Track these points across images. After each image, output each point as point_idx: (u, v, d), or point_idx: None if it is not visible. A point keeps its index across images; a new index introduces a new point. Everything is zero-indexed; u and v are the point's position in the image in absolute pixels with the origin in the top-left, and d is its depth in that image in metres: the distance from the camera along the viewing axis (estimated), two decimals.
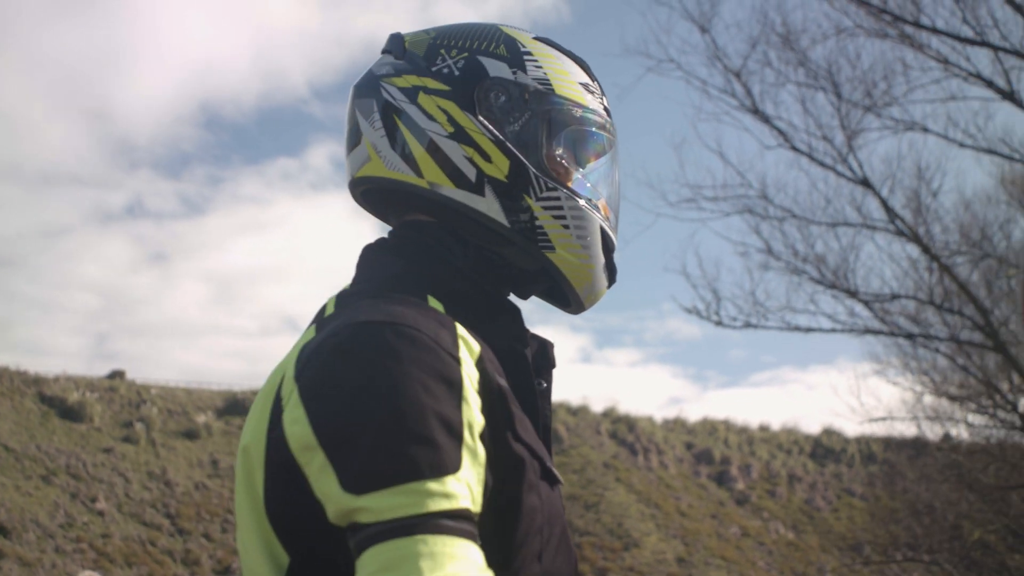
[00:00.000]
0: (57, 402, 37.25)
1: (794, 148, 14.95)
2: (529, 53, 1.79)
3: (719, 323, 15.66)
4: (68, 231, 68.39)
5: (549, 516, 1.59)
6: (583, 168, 1.81)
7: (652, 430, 50.56)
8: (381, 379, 1.41)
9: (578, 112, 1.79)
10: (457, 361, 1.47)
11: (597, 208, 1.80)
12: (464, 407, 1.44)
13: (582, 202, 1.77)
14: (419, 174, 1.72)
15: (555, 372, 1.83)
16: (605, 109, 1.86)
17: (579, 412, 48.71)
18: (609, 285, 1.87)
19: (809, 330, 15.59)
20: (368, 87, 1.82)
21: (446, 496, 1.35)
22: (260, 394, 1.62)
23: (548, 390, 1.77)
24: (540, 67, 1.78)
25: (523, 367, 1.70)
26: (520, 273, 1.80)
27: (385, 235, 1.85)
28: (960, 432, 20.44)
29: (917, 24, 13.34)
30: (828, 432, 53.85)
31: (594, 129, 1.82)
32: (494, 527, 1.48)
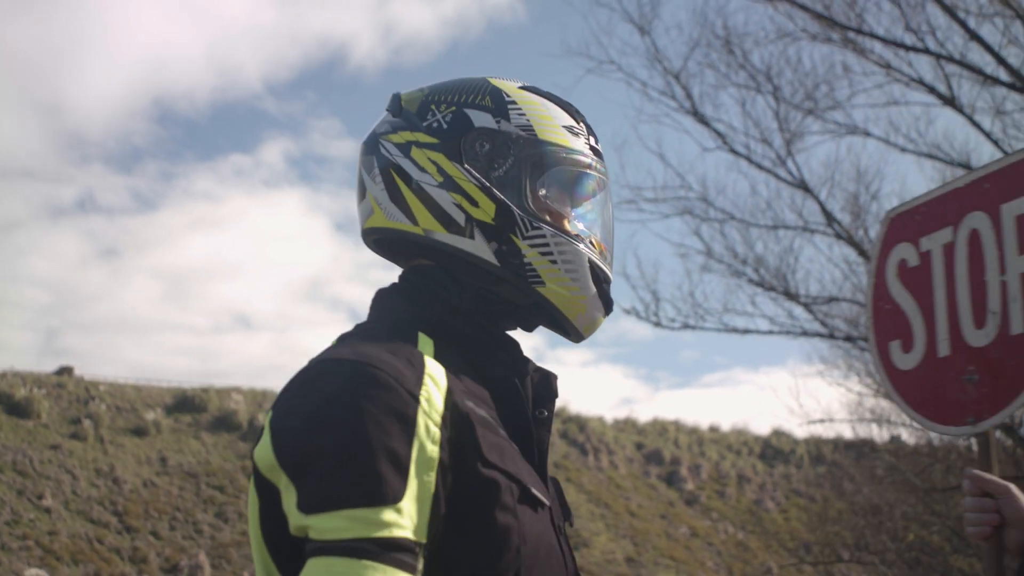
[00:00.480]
0: (4, 398, 36.77)
1: (733, 151, 15.01)
2: (513, 102, 1.92)
3: (657, 324, 15.71)
4: (18, 225, 67.53)
5: (527, 537, 1.68)
6: (571, 206, 1.93)
7: (602, 430, 50.67)
8: (335, 412, 1.57)
9: (561, 154, 1.91)
10: (415, 399, 1.60)
11: (586, 242, 1.92)
12: (415, 442, 1.57)
13: (569, 237, 1.88)
14: (414, 222, 1.87)
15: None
16: (592, 149, 1.97)
17: None
18: (606, 314, 1.98)
19: (747, 332, 15.65)
20: (370, 145, 1.97)
21: (381, 525, 1.50)
22: None
23: (549, 418, 1.90)
24: (523, 114, 1.91)
25: (516, 397, 1.84)
26: (518, 308, 1.92)
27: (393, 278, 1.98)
28: (901, 434, 20.64)
29: (859, 31, 13.43)
30: (777, 433, 54.21)
31: (578, 169, 1.93)
32: (465, 549, 1.62)
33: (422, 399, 1.60)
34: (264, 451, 1.62)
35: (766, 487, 49.89)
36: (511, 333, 1.97)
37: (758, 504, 48.18)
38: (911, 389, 2.80)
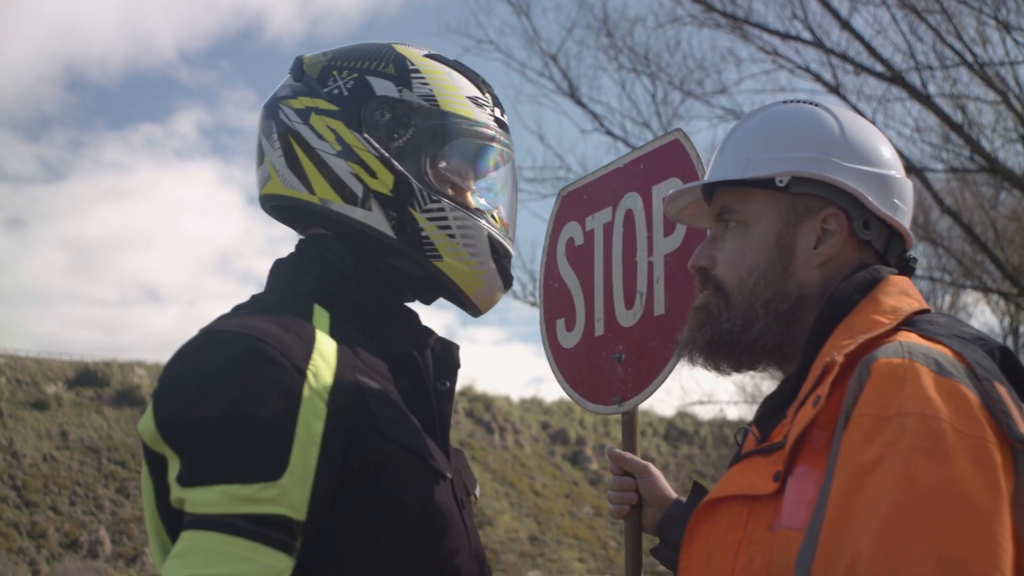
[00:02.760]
0: None
1: (609, 133, 15.11)
2: (417, 71, 1.88)
3: (535, 304, 15.82)
4: None
5: (430, 508, 1.69)
6: (472, 179, 1.91)
7: (509, 409, 50.96)
8: (218, 384, 1.55)
9: (464, 126, 1.88)
10: (301, 374, 1.58)
11: (487, 217, 1.90)
12: (300, 418, 1.55)
13: (469, 211, 1.87)
14: (311, 191, 1.84)
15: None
16: (497, 121, 1.95)
17: None
18: (504, 290, 1.97)
19: None
20: (270, 109, 1.92)
21: (253, 501, 1.49)
22: None
23: (451, 390, 1.89)
24: (426, 84, 1.88)
25: (416, 370, 1.82)
26: (416, 280, 1.89)
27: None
28: None
29: (741, 19, 13.55)
30: (682, 415, 54.87)
31: (481, 142, 1.91)
32: (362, 524, 1.61)
33: (309, 374, 1.59)
34: (147, 422, 1.60)
35: (670, 468, 50.47)
36: (410, 305, 1.96)
37: None
38: (571, 367, 2.82)
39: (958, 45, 12.34)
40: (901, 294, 1.77)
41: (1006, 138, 13.95)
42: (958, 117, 12.91)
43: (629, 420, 2.60)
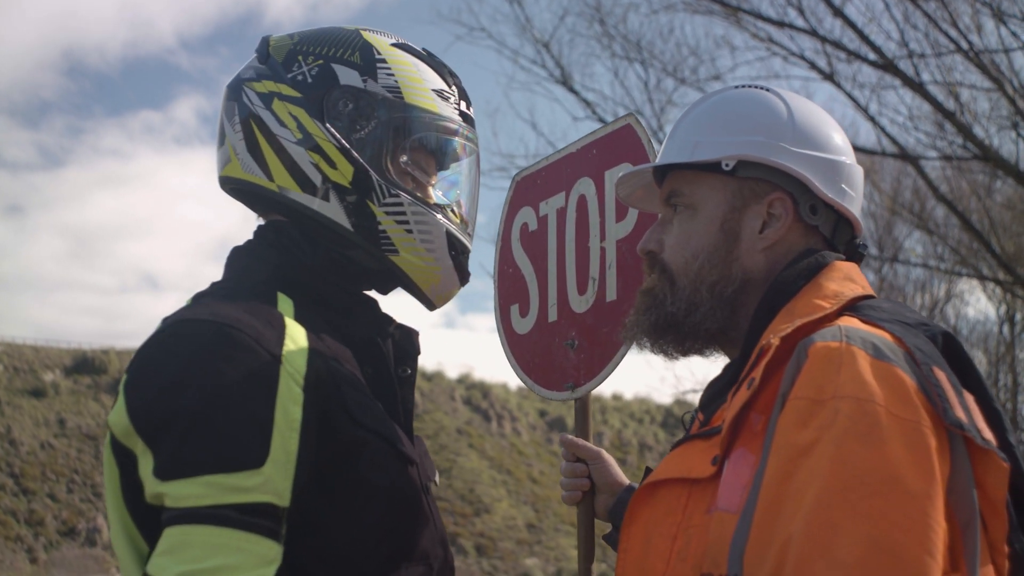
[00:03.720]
0: None
1: (602, 120, 15.07)
2: (383, 61, 1.86)
3: None
4: None
5: (401, 494, 1.69)
6: (433, 173, 1.90)
7: (506, 397, 51.07)
8: (193, 374, 1.52)
9: (427, 119, 1.86)
10: (276, 359, 1.56)
11: (445, 212, 1.89)
12: (278, 404, 1.53)
13: (427, 207, 1.85)
14: (270, 177, 1.82)
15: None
16: (462, 115, 1.93)
17: (434, 378, 48.90)
18: (460, 285, 1.96)
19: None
20: (234, 90, 1.89)
21: (240, 490, 1.47)
22: None
23: (412, 376, 1.89)
24: (392, 75, 1.85)
25: (379, 356, 1.82)
26: (371, 272, 1.88)
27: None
28: None
29: (735, 6, 13.53)
30: (680, 403, 54.86)
31: (444, 136, 1.90)
32: (336, 509, 1.60)
33: (283, 360, 1.57)
34: (119, 416, 1.57)
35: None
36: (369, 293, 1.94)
37: None
38: (525, 353, 2.80)
39: (953, 32, 12.31)
40: (845, 279, 1.75)
41: (1000, 125, 13.93)
42: (951, 105, 12.88)
43: (582, 406, 2.59)
